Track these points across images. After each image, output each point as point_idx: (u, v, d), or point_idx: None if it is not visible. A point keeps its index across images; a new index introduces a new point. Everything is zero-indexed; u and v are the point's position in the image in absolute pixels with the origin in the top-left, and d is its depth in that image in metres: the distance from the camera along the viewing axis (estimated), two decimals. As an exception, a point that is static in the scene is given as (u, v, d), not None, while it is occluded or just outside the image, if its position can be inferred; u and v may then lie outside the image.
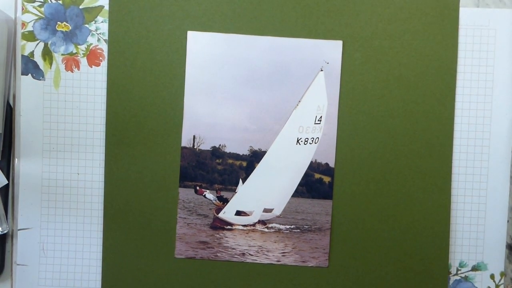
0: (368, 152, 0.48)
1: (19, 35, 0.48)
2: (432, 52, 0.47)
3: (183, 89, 0.47)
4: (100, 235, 0.49)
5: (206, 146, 0.48)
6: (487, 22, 0.48)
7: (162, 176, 0.48)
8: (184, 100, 0.47)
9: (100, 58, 0.48)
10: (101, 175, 0.48)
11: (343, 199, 0.48)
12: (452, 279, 0.49)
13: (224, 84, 0.47)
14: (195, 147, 0.48)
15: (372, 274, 0.48)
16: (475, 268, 0.48)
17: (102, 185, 0.48)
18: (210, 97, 0.47)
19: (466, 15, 0.48)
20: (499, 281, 0.48)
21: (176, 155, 0.48)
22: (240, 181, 0.48)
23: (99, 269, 0.49)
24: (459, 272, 0.48)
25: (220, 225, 0.48)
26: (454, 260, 0.48)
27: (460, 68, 0.48)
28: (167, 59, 0.47)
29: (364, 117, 0.48)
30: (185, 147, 0.48)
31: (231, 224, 0.48)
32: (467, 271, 0.48)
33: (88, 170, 0.48)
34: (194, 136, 0.48)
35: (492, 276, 0.48)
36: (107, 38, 0.48)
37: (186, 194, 0.48)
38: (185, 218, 0.48)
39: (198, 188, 0.48)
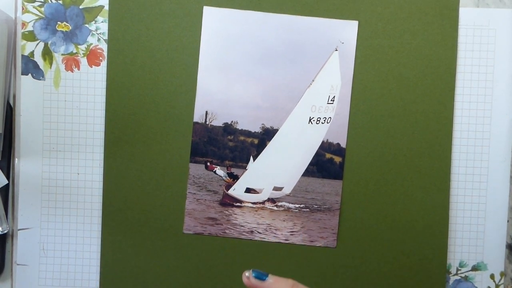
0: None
1: (19, 35, 0.48)
2: (431, 52, 0.47)
3: (197, 64, 0.47)
4: (100, 235, 0.48)
5: (218, 122, 0.48)
6: (487, 22, 0.48)
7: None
8: (198, 76, 0.47)
9: (100, 58, 0.48)
10: (101, 175, 0.48)
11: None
12: (452, 279, 0.49)
13: (238, 61, 0.47)
14: (207, 123, 0.48)
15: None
16: (475, 268, 0.48)
17: (102, 185, 0.48)
18: (224, 73, 0.47)
19: (466, 15, 0.48)
20: (499, 281, 0.48)
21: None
22: (251, 158, 0.48)
23: (99, 269, 0.49)
24: (459, 272, 0.48)
25: (230, 201, 0.48)
26: (454, 260, 0.48)
27: (460, 68, 0.48)
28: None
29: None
30: (197, 123, 0.48)
31: (240, 201, 0.48)
32: (467, 271, 0.48)
33: (88, 170, 0.48)
34: (206, 112, 0.47)
35: (492, 276, 0.48)
36: (107, 38, 0.48)
37: (196, 169, 0.48)
38: (194, 193, 0.48)
39: (208, 164, 0.48)
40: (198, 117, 0.48)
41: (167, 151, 0.48)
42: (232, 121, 0.48)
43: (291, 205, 0.48)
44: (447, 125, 0.47)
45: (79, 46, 0.48)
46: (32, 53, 0.48)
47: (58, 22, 0.48)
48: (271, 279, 0.37)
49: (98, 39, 0.48)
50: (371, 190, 0.48)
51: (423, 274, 0.48)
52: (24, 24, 0.48)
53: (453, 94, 0.47)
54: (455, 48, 0.47)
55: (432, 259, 0.48)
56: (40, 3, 0.48)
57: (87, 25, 0.48)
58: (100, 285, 0.48)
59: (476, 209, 0.48)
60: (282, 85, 0.47)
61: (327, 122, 0.48)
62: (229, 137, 0.48)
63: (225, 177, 0.48)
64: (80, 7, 0.48)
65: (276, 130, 0.48)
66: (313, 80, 0.47)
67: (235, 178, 0.48)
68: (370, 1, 0.47)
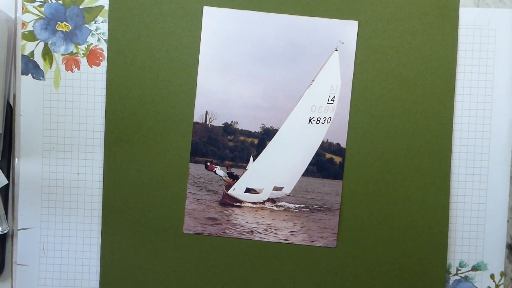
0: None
1: (19, 35, 0.48)
2: (431, 52, 0.47)
3: (197, 64, 0.47)
4: (100, 235, 0.48)
5: (218, 122, 0.48)
6: (487, 22, 0.48)
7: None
8: (198, 76, 0.47)
9: (100, 58, 0.48)
10: (101, 175, 0.48)
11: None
12: (452, 279, 0.49)
13: (238, 61, 0.47)
14: (207, 122, 0.48)
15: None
16: (475, 268, 0.48)
17: (102, 185, 0.48)
18: (224, 73, 0.47)
19: (466, 15, 0.48)
20: (499, 281, 0.48)
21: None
22: (251, 158, 0.48)
23: (99, 269, 0.49)
24: (459, 272, 0.48)
25: (230, 201, 0.48)
26: (454, 260, 0.48)
27: (460, 68, 0.48)
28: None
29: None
30: (197, 123, 0.48)
31: (240, 201, 0.48)
32: (467, 271, 0.48)
33: (88, 170, 0.48)
34: (206, 112, 0.47)
35: (492, 276, 0.48)
36: (107, 38, 0.48)
37: (196, 169, 0.48)
38: (194, 193, 0.48)
39: (208, 164, 0.48)
40: (198, 117, 0.48)
41: (167, 151, 0.48)
42: (232, 121, 0.48)
43: (291, 205, 0.48)
44: (447, 125, 0.47)
45: (79, 46, 0.48)
46: (32, 53, 0.48)
47: (58, 22, 0.48)
48: None
49: (98, 39, 0.48)
50: (371, 190, 0.48)
51: (423, 274, 0.48)
52: (24, 24, 0.48)
53: (453, 94, 0.47)
54: (455, 48, 0.47)
55: (432, 259, 0.48)
56: (40, 3, 0.48)
57: (87, 25, 0.48)
58: (100, 285, 0.48)
59: (476, 209, 0.48)
60: (282, 85, 0.47)
61: (327, 122, 0.48)
62: (229, 137, 0.48)
63: (225, 177, 0.48)
64: (80, 7, 0.48)
65: (276, 130, 0.48)
66: (313, 80, 0.47)
67: (235, 178, 0.48)
68: (370, 1, 0.47)
